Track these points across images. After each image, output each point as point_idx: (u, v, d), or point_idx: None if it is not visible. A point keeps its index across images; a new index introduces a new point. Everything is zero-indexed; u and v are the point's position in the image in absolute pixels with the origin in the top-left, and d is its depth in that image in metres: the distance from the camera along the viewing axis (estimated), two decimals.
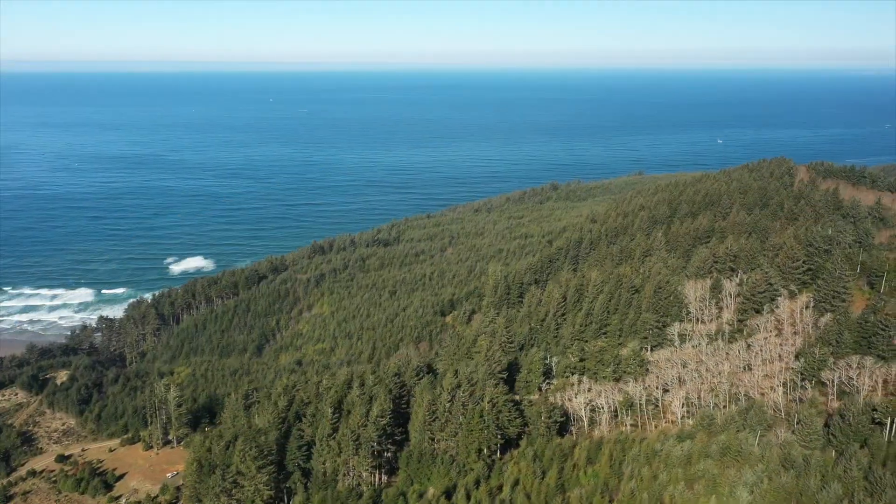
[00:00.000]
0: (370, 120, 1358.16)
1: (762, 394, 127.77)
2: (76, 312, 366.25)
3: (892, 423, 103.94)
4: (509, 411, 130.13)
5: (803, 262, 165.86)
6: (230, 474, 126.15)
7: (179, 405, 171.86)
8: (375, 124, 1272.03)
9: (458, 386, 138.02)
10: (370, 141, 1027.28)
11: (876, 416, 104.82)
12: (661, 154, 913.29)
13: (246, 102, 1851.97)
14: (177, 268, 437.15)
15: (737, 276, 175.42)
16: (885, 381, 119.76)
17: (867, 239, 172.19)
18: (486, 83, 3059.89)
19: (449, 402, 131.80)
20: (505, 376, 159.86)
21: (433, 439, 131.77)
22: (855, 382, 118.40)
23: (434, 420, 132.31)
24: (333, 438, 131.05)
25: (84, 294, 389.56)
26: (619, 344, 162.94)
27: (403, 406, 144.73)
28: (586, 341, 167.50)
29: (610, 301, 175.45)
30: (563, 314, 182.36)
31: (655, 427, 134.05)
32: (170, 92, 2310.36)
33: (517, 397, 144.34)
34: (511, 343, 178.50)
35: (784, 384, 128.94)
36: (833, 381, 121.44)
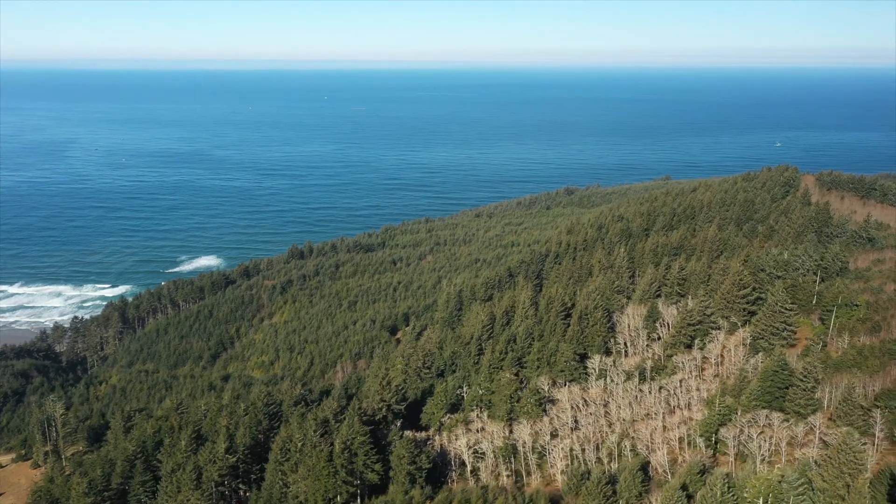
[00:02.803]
0: (419, 118, 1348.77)
1: (653, 450, 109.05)
2: (76, 311, 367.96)
3: None
4: (367, 454, 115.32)
5: (753, 289, 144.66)
6: None
7: (84, 420, 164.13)
8: (423, 123, 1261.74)
9: (325, 421, 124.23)
10: (414, 140, 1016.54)
11: (746, 495, 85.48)
12: (715, 157, 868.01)
13: (301, 101, 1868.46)
14: (187, 267, 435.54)
15: (684, 303, 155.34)
16: (789, 443, 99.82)
17: (835, 263, 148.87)
18: (540, 81, 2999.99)
19: (301, 440, 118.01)
20: (402, 408, 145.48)
21: (285, 482, 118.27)
22: (754, 443, 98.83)
23: (287, 460, 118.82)
24: (175, 474, 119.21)
25: (88, 292, 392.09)
26: (537, 376, 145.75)
27: (273, 440, 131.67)
28: (502, 370, 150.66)
29: (537, 325, 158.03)
30: (489, 337, 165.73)
31: (539, 478, 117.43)
32: (231, 89, 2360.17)
33: (394, 436, 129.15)
34: (428, 368, 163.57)
35: (681, 439, 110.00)
36: (731, 441, 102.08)
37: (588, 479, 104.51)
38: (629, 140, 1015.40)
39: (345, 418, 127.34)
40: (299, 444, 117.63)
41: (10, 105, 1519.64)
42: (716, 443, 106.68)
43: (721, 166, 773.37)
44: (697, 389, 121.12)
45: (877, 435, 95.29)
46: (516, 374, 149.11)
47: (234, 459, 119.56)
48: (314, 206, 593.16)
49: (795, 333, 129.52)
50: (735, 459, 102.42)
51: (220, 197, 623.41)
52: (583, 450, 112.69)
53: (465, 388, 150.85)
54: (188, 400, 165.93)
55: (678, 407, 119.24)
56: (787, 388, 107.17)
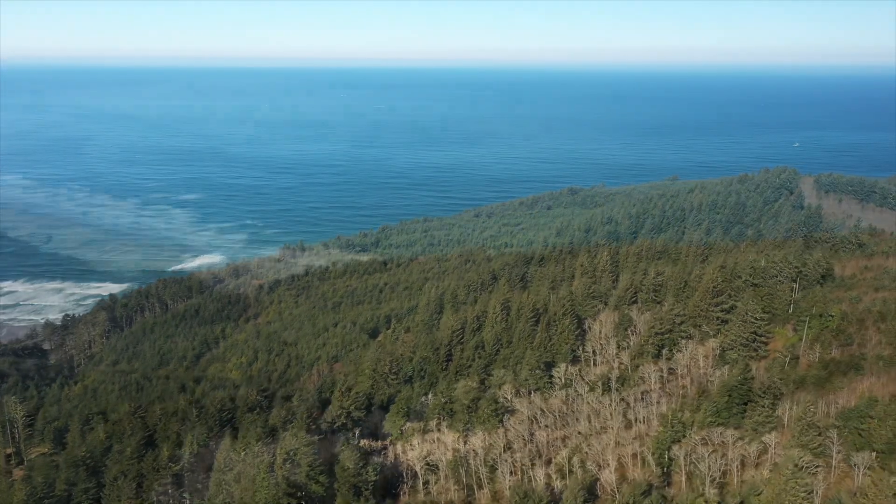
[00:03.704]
0: (428, 116, 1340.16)
1: (603, 467, 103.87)
2: (75, 308, 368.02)
3: None
4: (310, 465, 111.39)
5: (728, 296, 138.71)
6: None
7: (51, 421, 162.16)
8: (432, 121, 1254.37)
9: (273, 429, 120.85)
10: (425, 138, 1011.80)
11: None
12: (731, 157, 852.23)
13: (319, 98, 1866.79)
14: (190, 265, 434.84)
15: (658, 310, 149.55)
16: (743, 464, 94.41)
17: (816, 270, 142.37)
18: (544, 80, 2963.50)
19: (243, 449, 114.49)
20: (363, 415, 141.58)
21: (228, 492, 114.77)
22: (704, 463, 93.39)
23: (229, 469, 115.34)
24: (118, 482, 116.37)
25: (88, 290, 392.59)
26: (500, 385, 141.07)
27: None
28: (468, 378, 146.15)
29: (506, 332, 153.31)
30: (459, 343, 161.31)
31: (490, 493, 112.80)
32: (244, 88, 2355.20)
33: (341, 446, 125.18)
34: (395, 374, 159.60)
35: (634, 456, 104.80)
36: (682, 459, 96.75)
37: (530, 497, 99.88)
38: (642, 139, 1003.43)
39: (291, 426, 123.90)
40: (241, 454, 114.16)
41: (26, 102, 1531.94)
42: (669, 461, 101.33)
43: (737, 166, 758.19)
44: (658, 402, 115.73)
45: (834, 457, 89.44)
46: (482, 382, 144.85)
47: (178, 467, 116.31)
48: (319, 206, 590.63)
49: (767, 345, 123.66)
50: (686, 480, 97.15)
51: (227, 195, 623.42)
52: (532, 464, 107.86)
53: (429, 396, 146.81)
54: (155, 402, 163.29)
55: (637, 421, 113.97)
56: (747, 403, 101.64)
